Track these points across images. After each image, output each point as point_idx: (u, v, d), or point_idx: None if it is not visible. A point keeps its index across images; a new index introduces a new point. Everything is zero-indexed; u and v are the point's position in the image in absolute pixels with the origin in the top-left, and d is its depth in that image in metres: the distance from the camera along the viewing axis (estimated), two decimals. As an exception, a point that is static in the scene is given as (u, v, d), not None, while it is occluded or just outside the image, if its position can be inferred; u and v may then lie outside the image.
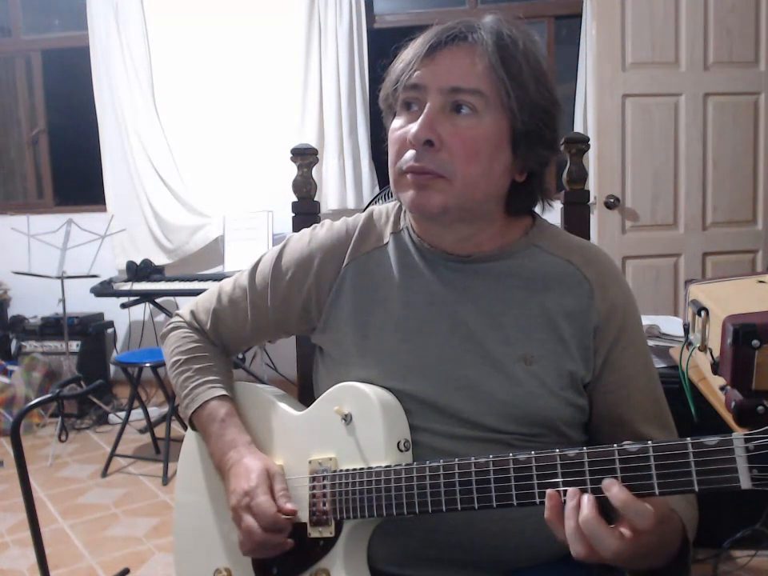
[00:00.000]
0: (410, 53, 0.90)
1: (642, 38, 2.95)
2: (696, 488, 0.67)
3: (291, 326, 1.06)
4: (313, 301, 1.01)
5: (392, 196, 1.56)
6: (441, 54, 0.87)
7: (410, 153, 0.88)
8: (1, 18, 4.40)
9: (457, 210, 0.89)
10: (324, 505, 0.91)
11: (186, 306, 1.16)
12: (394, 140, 0.91)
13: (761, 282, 1.38)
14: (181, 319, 1.14)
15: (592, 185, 2.99)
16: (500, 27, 0.88)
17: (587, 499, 0.71)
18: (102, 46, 4.03)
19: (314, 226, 1.07)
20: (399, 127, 0.90)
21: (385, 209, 1.05)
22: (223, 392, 1.04)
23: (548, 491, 0.73)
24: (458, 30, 0.88)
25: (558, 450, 0.75)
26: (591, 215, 2.36)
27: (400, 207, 1.03)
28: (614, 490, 0.69)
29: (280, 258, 1.05)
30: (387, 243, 1.00)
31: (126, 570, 2.15)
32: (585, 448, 0.74)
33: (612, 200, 3.01)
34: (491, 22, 0.89)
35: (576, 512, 0.71)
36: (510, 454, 0.78)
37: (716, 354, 1.16)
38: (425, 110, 0.87)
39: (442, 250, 0.96)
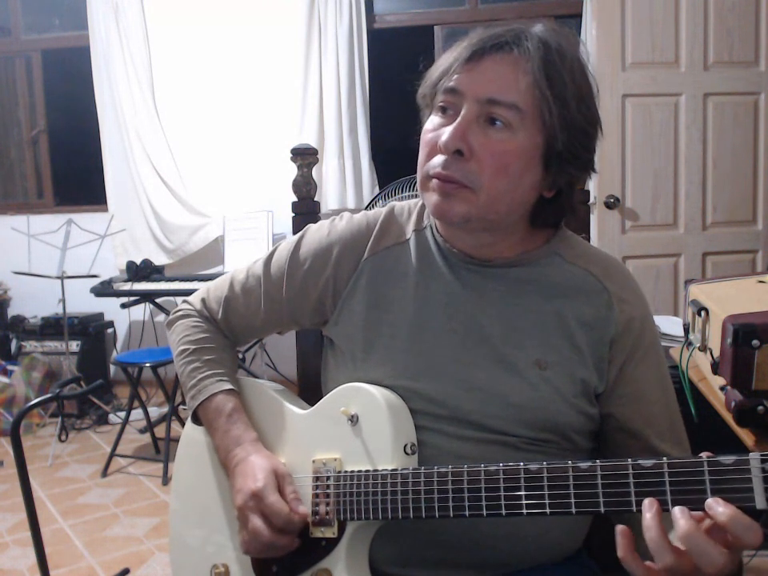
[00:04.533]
0: (452, 54, 0.88)
1: (642, 38, 2.95)
2: None
3: (304, 317, 1.04)
4: (329, 293, 1.00)
5: (391, 196, 1.56)
6: (483, 62, 0.85)
7: (439, 158, 0.87)
8: (1, 18, 4.40)
9: (479, 221, 0.88)
10: (327, 505, 0.91)
11: (195, 293, 1.14)
12: (426, 142, 0.90)
13: (761, 282, 1.38)
14: (191, 307, 1.12)
15: (592, 185, 2.99)
16: (549, 40, 0.86)
17: (680, 511, 0.66)
18: (102, 46, 4.03)
19: (332, 218, 1.06)
20: (432, 129, 0.89)
21: (407, 205, 1.04)
22: (231, 386, 1.03)
23: (618, 527, 0.68)
24: (504, 39, 0.85)
25: (570, 462, 0.74)
26: (591, 215, 2.36)
27: (423, 205, 1.02)
28: (719, 507, 0.64)
29: (298, 248, 1.04)
30: (408, 240, 0.99)
31: (126, 570, 2.15)
32: (598, 461, 0.73)
33: (612, 200, 3.01)
34: (540, 33, 0.86)
35: (658, 521, 0.67)
36: (521, 464, 0.77)
37: (716, 353, 1.16)
38: (458, 118, 0.85)
39: (463, 252, 0.95)
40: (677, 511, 0.66)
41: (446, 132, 0.86)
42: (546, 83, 0.83)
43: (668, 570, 0.66)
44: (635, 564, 0.68)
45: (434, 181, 0.88)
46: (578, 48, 0.89)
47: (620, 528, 0.68)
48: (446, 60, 0.89)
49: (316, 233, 1.04)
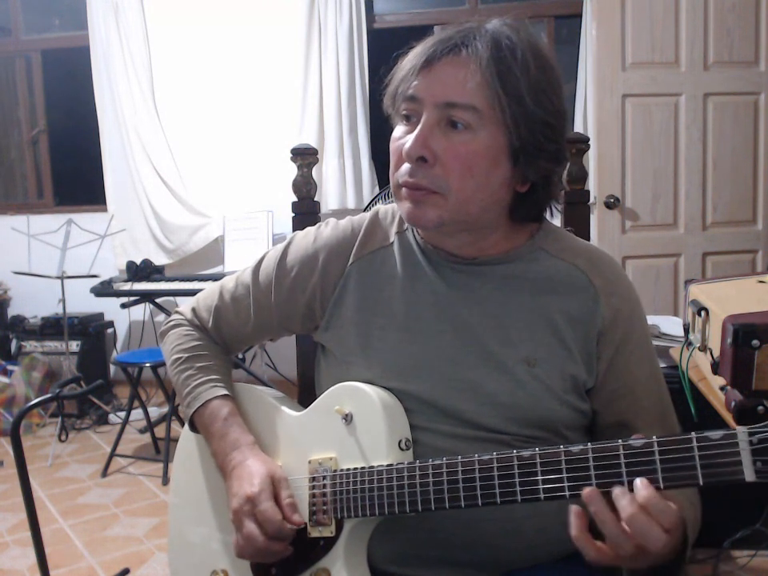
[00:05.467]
0: (408, 63, 0.89)
1: (642, 38, 2.95)
2: (701, 481, 0.68)
3: (294, 324, 1.05)
4: (317, 299, 1.01)
5: (391, 196, 1.55)
6: (437, 67, 0.86)
7: (405, 167, 0.88)
8: (1, 18, 4.40)
9: (453, 223, 0.89)
10: (324, 504, 0.91)
11: (186, 303, 1.15)
12: (393, 150, 0.91)
13: (761, 282, 1.38)
14: (181, 317, 1.13)
15: (592, 185, 2.99)
16: (499, 36, 0.85)
17: (621, 492, 0.70)
18: (102, 46, 4.03)
19: (318, 224, 1.07)
20: (398, 138, 0.90)
21: (390, 208, 1.05)
22: (225, 391, 1.04)
23: (572, 507, 0.72)
24: (453, 42, 0.86)
25: (562, 447, 0.75)
26: (591, 215, 2.36)
27: None
28: (641, 490, 0.68)
29: (284, 255, 1.04)
30: (392, 243, 1.00)
31: (126, 570, 2.15)
32: (589, 444, 0.74)
33: (612, 200, 3.01)
34: (491, 30, 0.86)
35: (608, 510, 0.70)
36: (514, 451, 0.78)
37: (716, 353, 1.16)
38: (419, 125, 0.86)
39: (446, 252, 0.95)
40: (617, 492, 0.70)
41: (409, 140, 0.86)
42: (498, 81, 0.83)
43: (622, 556, 0.70)
44: (588, 544, 0.71)
45: (404, 189, 0.89)
46: (535, 41, 0.88)
47: (575, 508, 0.72)
48: (403, 67, 0.89)
49: (302, 240, 1.05)
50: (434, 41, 0.88)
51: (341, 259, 1.01)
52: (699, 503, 0.91)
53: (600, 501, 0.70)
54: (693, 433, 0.68)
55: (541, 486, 0.75)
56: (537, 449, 0.76)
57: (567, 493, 0.74)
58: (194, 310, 1.12)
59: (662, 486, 0.69)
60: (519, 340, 0.92)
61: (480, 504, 0.79)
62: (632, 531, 0.69)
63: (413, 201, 0.88)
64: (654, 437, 0.70)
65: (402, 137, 0.89)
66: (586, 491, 0.71)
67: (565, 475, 0.74)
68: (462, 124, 0.85)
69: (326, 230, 1.04)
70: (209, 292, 1.12)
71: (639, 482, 0.69)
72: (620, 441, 0.72)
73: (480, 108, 0.84)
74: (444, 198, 0.86)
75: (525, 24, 0.90)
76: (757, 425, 0.66)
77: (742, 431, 0.66)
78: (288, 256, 1.04)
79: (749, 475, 0.65)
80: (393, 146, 0.91)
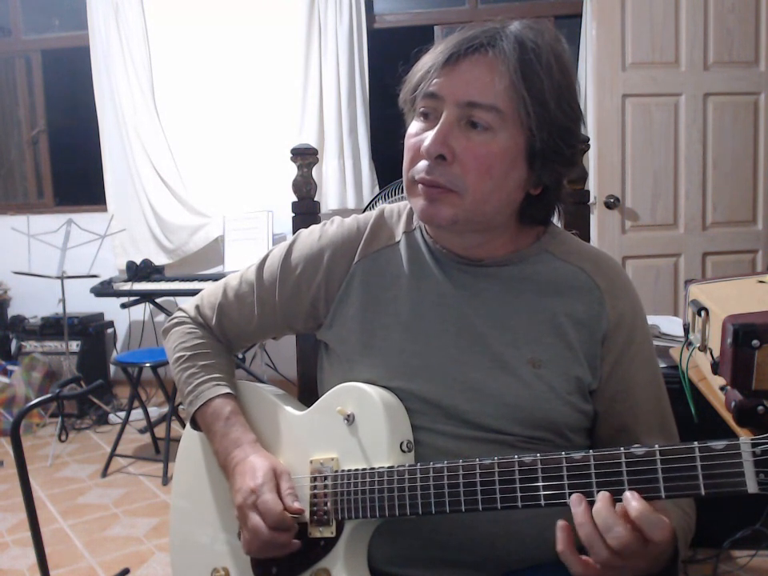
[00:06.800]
0: (430, 60, 0.88)
1: (642, 38, 2.95)
2: (703, 492, 0.67)
3: (298, 322, 1.05)
4: (321, 297, 1.01)
5: (391, 196, 1.55)
6: (460, 65, 0.85)
7: (423, 164, 0.87)
8: (1, 18, 4.40)
9: (466, 223, 0.89)
10: (325, 505, 0.91)
11: (189, 301, 1.15)
12: (409, 147, 0.90)
13: (761, 282, 1.38)
14: (185, 314, 1.13)
15: (592, 185, 2.99)
16: (524, 39, 0.85)
17: (601, 494, 0.71)
18: (102, 46, 4.03)
19: (323, 222, 1.06)
20: (415, 134, 0.90)
21: (396, 207, 1.05)
22: (228, 390, 1.04)
23: (559, 522, 0.72)
24: (479, 41, 0.85)
25: (563, 453, 0.75)
26: (591, 215, 2.36)
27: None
28: (633, 502, 0.68)
29: (289, 253, 1.04)
30: (399, 242, 1.00)
31: (126, 570, 2.15)
32: (591, 451, 0.74)
33: (612, 200, 3.01)
34: (516, 32, 0.86)
35: (589, 517, 0.71)
36: (516, 456, 0.77)
37: (716, 354, 1.16)
38: (439, 123, 0.86)
39: (453, 253, 0.96)
40: (628, 494, 0.70)
41: (428, 137, 0.86)
42: (523, 84, 0.83)
43: (603, 565, 0.70)
44: (573, 558, 0.72)
45: (420, 186, 0.88)
46: (557, 44, 0.88)
47: (561, 523, 0.72)
48: (424, 64, 0.89)
49: (307, 237, 1.04)
50: (457, 39, 0.87)
51: (346, 257, 1.00)
52: (694, 511, 0.91)
53: (582, 503, 0.71)
54: (695, 442, 0.68)
55: (542, 493, 0.75)
56: (538, 455, 0.76)
57: (568, 500, 0.73)
58: (197, 307, 1.12)
59: (663, 495, 0.69)
60: (524, 341, 0.92)
61: (480, 509, 0.79)
62: (640, 526, 0.69)
63: (428, 198, 0.88)
64: (657, 446, 0.70)
65: (419, 133, 0.89)
66: (574, 496, 0.72)
67: (566, 482, 0.74)
68: (482, 124, 0.85)
69: (331, 228, 1.04)
70: (213, 290, 1.12)
71: (629, 494, 0.69)
72: (622, 449, 0.72)
73: (503, 110, 0.84)
74: (460, 197, 0.86)
75: (547, 26, 0.90)
76: (760, 436, 0.65)
77: (744, 442, 0.66)
78: (293, 254, 1.04)
79: (751, 487, 0.65)
80: (408, 142, 0.91)
